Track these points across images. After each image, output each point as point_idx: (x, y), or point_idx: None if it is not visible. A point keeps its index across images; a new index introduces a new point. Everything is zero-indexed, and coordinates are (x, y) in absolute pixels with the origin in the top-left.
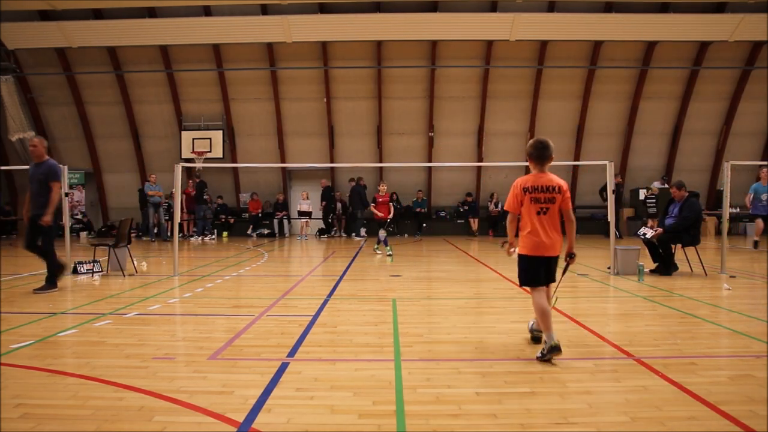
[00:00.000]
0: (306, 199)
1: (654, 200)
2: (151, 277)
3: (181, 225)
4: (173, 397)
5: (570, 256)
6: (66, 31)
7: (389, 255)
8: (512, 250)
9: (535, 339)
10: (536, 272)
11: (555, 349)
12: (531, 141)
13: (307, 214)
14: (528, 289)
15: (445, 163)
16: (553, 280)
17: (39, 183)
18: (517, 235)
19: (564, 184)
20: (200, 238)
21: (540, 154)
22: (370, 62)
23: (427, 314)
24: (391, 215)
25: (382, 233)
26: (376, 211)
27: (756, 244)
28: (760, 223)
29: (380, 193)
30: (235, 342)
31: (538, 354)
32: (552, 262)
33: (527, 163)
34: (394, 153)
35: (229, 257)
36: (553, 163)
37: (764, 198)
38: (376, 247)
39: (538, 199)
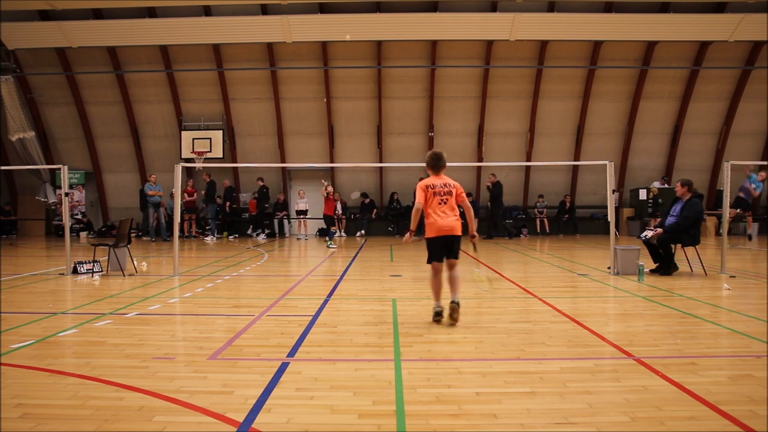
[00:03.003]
0: (302, 198)
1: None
2: (151, 277)
3: (181, 225)
4: (173, 397)
5: (473, 237)
6: (66, 31)
7: (329, 247)
8: (414, 238)
9: (437, 320)
10: (439, 251)
11: (439, 313)
12: (429, 153)
13: (303, 213)
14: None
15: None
16: (456, 257)
17: None
18: (422, 233)
19: (456, 183)
20: (213, 238)
21: (435, 163)
22: (370, 62)
23: (427, 314)
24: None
25: (333, 229)
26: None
27: (750, 237)
28: (733, 212)
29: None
30: (235, 342)
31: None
32: (454, 241)
33: (527, 164)
34: (394, 153)
35: (229, 257)
36: (553, 163)
37: (752, 188)
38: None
39: (439, 193)
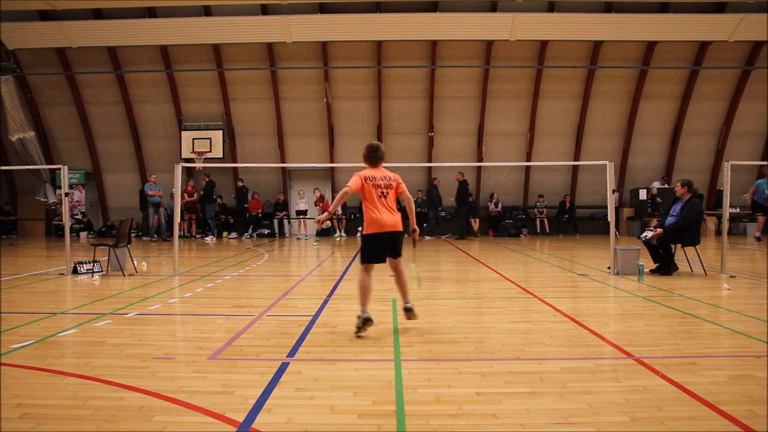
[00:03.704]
0: (302, 198)
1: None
2: (151, 277)
3: (181, 225)
4: (173, 397)
5: (414, 231)
6: (66, 31)
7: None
8: (326, 221)
9: (360, 328)
10: (379, 251)
11: (368, 321)
12: (366, 145)
13: (303, 213)
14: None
15: (445, 163)
16: (399, 254)
17: None
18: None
19: (397, 176)
20: (213, 238)
21: (372, 156)
22: (370, 62)
23: (427, 314)
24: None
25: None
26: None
27: (758, 238)
28: (761, 218)
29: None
30: (235, 342)
31: (355, 329)
32: (397, 237)
33: (527, 164)
34: (394, 153)
35: (229, 257)
36: (553, 163)
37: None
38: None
39: (379, 185)
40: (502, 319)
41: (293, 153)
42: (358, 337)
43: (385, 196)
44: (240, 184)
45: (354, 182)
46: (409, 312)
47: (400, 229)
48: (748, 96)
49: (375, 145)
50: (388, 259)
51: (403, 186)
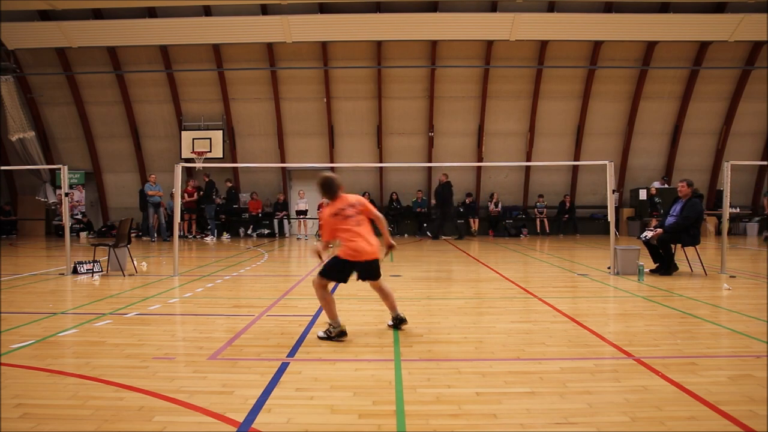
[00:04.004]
0: (302, 198)
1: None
2: (151, 277)
3: (181, 225)
4: (173, 397)
5: (390, 247)
6: (66, 31)
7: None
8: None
9: (327, 335)
10: (345, 274)
11: (343, 334)
12: (318, 183)
13: (303, 213)
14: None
15: (445, 163)
16: (378, 276)
17: None
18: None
19: (360, 198)
20: (213, 238)
21: (327, 192)
22: (370, 62)
23: (427, 314)
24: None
25: None
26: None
27: (767, 238)
28: None
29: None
30: (235, 342)
31: (321, 334)
32: (373, 264)
33: (527, 164)
34: (394, 153)
35: (229, 257)
36: (553, 163)
37: None
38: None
39: (349, 215)
40: (502, 319)
41: (293, 153)
42: (340, 341)
43: (359, 224)
44: (229, 184)
45: (324, 221)
46: (401, 322)
47: (377, 256)
48: (748, 96)
49: (325, 179)
50: (369, 282)
51: (370, 206)
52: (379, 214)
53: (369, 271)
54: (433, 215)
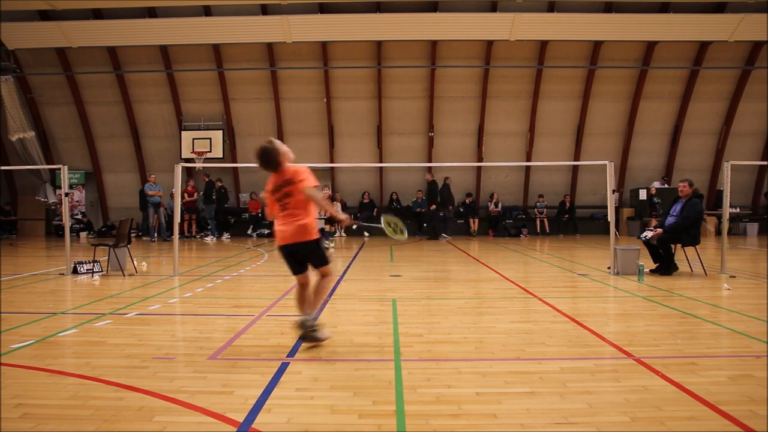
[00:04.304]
0: None
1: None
2: (151, 277)
3: (181, 225)
4: (173, 397)
5: (339, 222)
6: (66, 31)
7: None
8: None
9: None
10: (289, 264)
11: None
12: (255, 152)
13: None
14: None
15: (445, 163)
16: (315, 266)
17: None
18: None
19: (296, 168)
20: (214, 238)
21: (261, 163)
22: (370, 62)
23: (427, 314)
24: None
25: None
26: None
27: None
28: None
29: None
30: (235, 342)
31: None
32: (297, 250)
33: (527, 164)
34: (394, 153)
35: (229, 257)
36: (553, 163)
37: None
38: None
39: (276, 191)
40: (502, 319)
41: (293, 153)
42: (313, 342)
43: (285, 206)
44: (219, 184)
45: (271, 211)
46: (311, 333)
47: (301, 239)
48: (748, 96)
49: (262, 149)
50: (309, 269)
51: (303, 178)
52: (311, 192)
53: (297, 257)
54: (434, 216)
